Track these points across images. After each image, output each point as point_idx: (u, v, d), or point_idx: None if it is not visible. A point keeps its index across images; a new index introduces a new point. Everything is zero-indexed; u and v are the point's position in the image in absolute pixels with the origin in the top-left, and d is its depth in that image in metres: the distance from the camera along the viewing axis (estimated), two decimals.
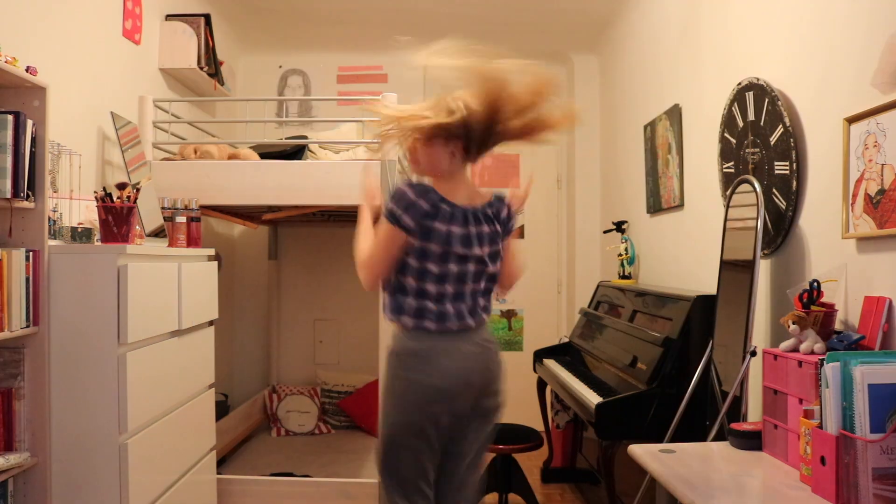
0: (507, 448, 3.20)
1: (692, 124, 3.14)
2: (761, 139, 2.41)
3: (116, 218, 2.19)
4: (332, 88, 4.78)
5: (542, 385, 3.83)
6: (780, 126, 2.27)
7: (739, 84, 2.53)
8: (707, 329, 2.51)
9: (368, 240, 1.93)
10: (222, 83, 3.85)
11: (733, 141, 2.62)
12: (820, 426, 1.56)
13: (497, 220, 1.95)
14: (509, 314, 5.04)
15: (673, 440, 2.37)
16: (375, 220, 1.97)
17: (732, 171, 2.64)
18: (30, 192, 2.02)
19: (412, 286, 1.87)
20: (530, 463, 4.08)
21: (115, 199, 2.21)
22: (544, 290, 5.03)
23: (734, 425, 2.04)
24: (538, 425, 3.74)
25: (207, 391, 2.80)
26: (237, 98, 4.40)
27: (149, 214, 2.64)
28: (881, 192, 1.79)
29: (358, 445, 4.10)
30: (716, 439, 2.17)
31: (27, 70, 2.02)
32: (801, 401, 1.75)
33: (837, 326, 1.94)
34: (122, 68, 3.03)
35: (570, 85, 4.93)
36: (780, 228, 2.29)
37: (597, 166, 4.85)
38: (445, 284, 1.87)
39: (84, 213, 2.55)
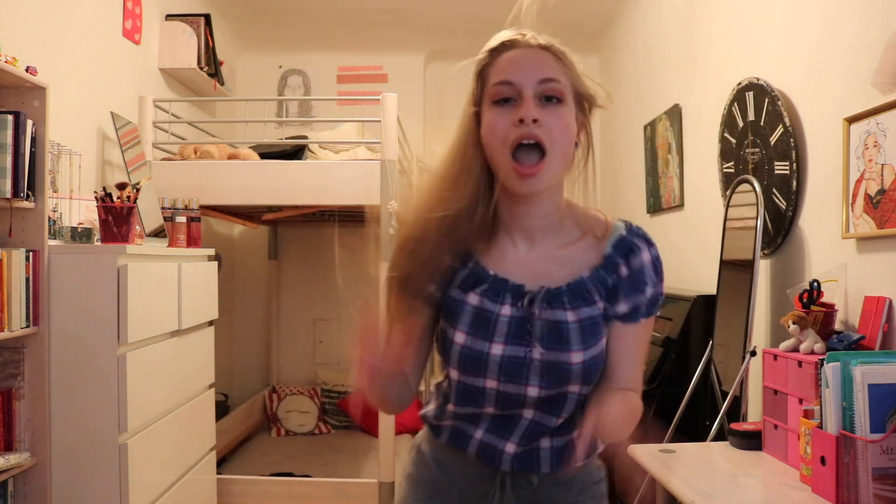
0: None
1: (692, 124, 3.14)
2: (761, 139, 2.41)
3: (116, 218, 2.19)
4: (332, 88, 4.78)
5: None
6: (780, 126, 2.27)
7: (739, 84, 2.53)
8: (707, 329, 2.51)
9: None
10: (222, 83, 3.85)
11: (733, 141, 2.62)
12: (820, 426, 1.56)
13: None
14: None
15: (673, 440, 2.37)
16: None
17: (732, 171, 2.64)
18: (30, 192, 2.02)
19: None
20: None
21: (115, 199, 2.21)
22: None
23: (734, 425, 2.04)
24: None
25: (207, 391, 2.80)
26: (237, 98, 4.39)
27: (149, 214, 2.64)
28: (881, 192, 1.79)
29: (358, 445, 4.10)
30: (716, 439, 2.17)
31: (27, 70, 2.02)
32: (801, 401, 1.75)
33: (837, 326, 1.94)
34: (122, 68, 3.02)
35: None
36: (780, 228, 2.29)
37: (597, 166, 4.83)
38: None
39: (84, 213, 2.55)
